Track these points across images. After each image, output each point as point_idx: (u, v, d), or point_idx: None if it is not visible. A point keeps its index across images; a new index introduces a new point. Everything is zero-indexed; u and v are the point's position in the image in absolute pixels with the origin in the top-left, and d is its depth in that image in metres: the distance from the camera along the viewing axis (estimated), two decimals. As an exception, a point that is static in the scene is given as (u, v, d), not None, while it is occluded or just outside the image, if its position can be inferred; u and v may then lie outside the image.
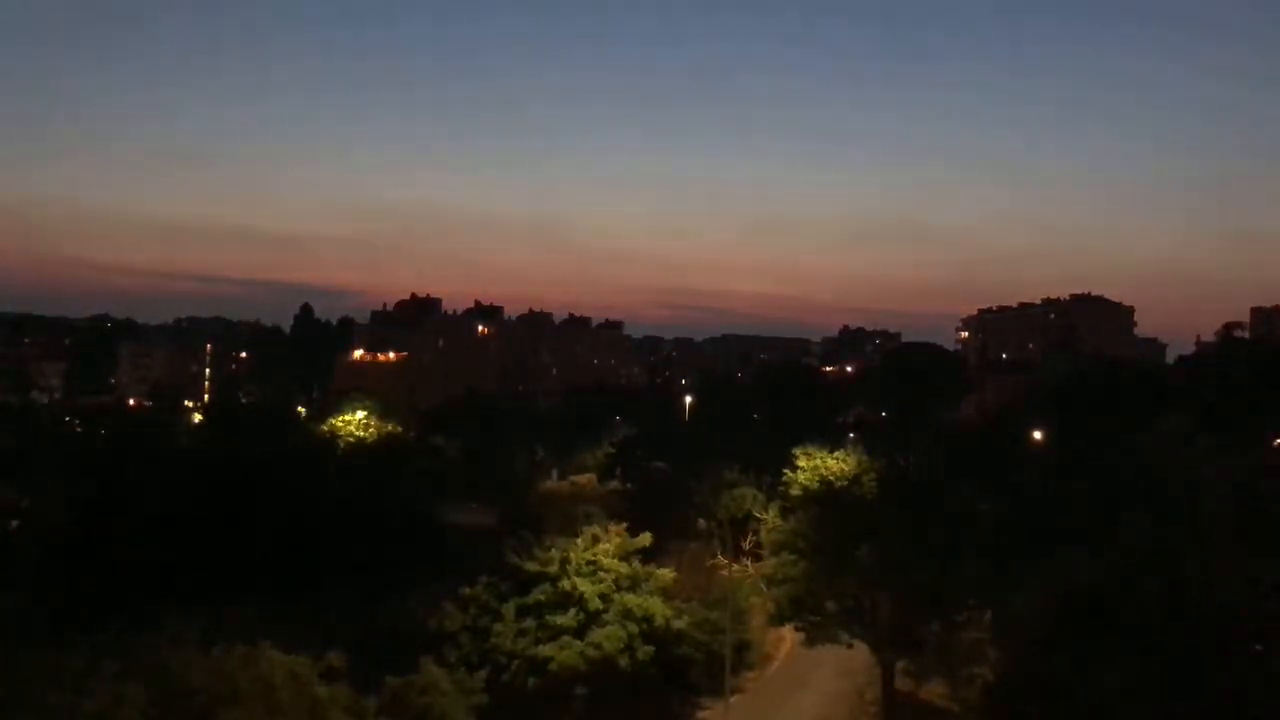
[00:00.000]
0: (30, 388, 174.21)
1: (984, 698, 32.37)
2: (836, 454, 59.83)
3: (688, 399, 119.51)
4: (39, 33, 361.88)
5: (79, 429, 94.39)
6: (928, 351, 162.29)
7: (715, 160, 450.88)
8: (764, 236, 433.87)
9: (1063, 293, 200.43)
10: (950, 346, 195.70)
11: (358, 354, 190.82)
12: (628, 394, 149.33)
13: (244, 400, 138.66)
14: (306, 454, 66.99)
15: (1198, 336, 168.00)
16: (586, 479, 67.52)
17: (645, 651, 37.28)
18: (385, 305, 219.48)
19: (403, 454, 78.60)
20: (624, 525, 42.79)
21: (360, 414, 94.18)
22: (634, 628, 37.59)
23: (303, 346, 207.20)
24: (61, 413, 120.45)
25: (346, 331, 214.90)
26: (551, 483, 72.89)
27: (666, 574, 41.45)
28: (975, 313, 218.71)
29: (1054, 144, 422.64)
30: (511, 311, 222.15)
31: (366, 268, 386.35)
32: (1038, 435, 76.48)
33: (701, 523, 53.99)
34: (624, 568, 39.76)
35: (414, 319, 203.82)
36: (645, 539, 41.65)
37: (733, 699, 39.89)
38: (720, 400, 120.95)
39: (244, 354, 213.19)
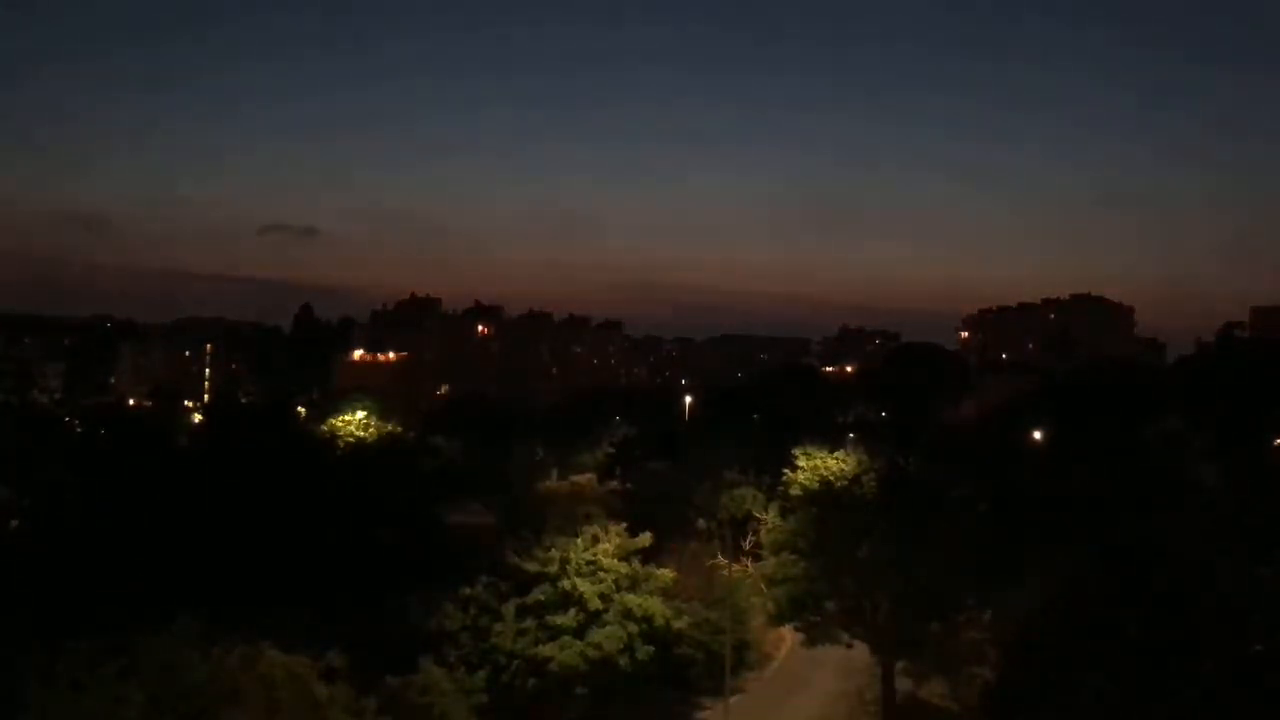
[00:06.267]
0: (30, 388, 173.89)
1: (984, 698, 32.39)
2: (836, 454, 59.51)
3: (688, 399, 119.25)
4: (46, 32, 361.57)
5: (79, 429, 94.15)
6: (928, 351, 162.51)
7: (716, 159, 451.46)
8: (765, 236, 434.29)
9: (1063, 293, 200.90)
10: (950, 346, 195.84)
11: (358, 354, 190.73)
12: (628, 394, 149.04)
13: (244, 400, 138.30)
14: (307, 454, 66.80)
15: (1198, 337, 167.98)
16: (586, 479, 67.33)
17: (645, 651, 37.27)
18: (385, 305, 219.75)
19: (403, 454, 78.43)
20: (624, 525, 42.76)
21: (360, 414, 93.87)
22: (634, 628, 37.57)
23: (303, 346, 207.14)
24: (61, 413, 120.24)
25: (346, 331, 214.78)
26: (551, 483, 72.70)
27: (666, 574, 41.41)
28: (975, 313, 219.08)
29: (1053, 144, 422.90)
30: (511, 311, 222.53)
31: (366, 268, 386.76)
32: (1037, 435, 76.47)
33: (701, 523, 53.87)
34: (624, 568, 39.73)
35: (414, 319, 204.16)
36: (645, 539, 41.60)
37: (733, 699, 39.89)
38: (720, 400, 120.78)
39: (244, 354, 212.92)
